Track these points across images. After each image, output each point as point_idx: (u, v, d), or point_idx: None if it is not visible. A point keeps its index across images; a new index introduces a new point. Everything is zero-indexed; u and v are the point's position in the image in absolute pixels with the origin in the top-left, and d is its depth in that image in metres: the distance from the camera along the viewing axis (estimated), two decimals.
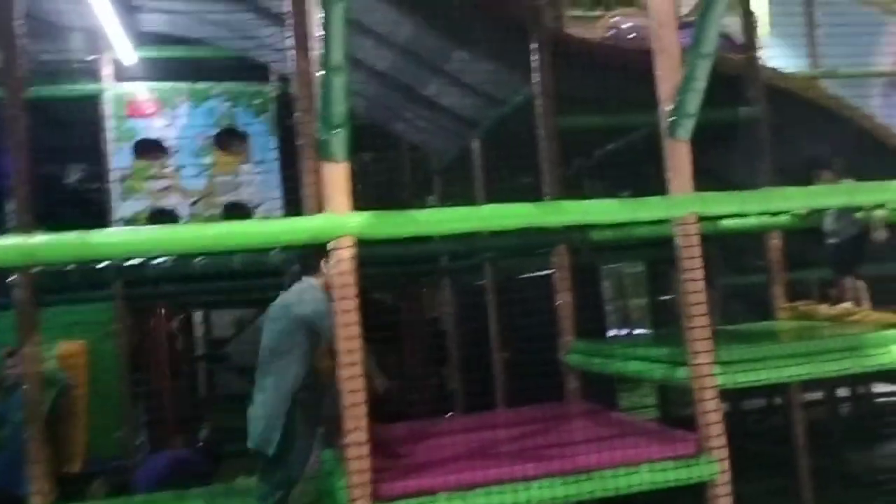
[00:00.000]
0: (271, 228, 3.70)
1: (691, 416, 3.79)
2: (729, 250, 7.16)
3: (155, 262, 4.79)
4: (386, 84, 6.99)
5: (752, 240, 6.09)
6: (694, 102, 3.69)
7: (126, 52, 7.14)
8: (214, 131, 7.56)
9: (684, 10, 6.29)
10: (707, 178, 4.02)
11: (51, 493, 4.26)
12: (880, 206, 5.04)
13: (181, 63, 7.65)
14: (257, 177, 7.51)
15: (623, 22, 7.94)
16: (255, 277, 6.34)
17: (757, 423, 8.58)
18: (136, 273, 5.04)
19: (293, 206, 6.49)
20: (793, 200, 4.46)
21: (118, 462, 6.84)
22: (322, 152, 3.37)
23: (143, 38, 7.32)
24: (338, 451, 3.68)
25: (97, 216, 6.97)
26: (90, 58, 7.41)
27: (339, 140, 3.29)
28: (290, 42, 4.74)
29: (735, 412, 7.79)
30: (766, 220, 5.45)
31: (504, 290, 7.14)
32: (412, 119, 7.85)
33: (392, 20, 5.75)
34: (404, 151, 9.08)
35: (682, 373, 3.81)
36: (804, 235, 5.65)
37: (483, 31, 5.63)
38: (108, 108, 7.35)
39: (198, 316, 12.26)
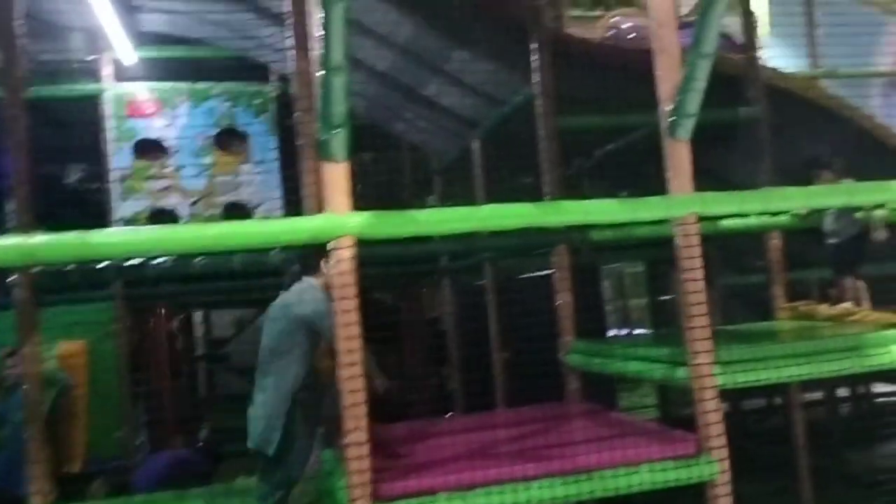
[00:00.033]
0: (271, 228, 3.70)
1: (691, 416, 3.79)
2: (729, 250, 7.16)
3: (155, 262, 4.79)
4: (386, 84, 6.99)
5: (752, 240, 6.08)
6: (694, 102, 3.69)
7: (126, 52, 7.14)
8: (214, 131, 7.56)
9: (684, 10, 6.28)
10: (707, 178, 4.02)
11: (51, 493, 4.26)
12: (880, 206, 5.04)
13: (181, 63, 7.65)
14: (257, 177, 7.51)
15: (623, 22, 7.95)
16: (255, 277, 6.33)
17: (757, 423, 8.58)
18: (136, 273, 5.04)
19: (293, 206, 6.49)
20: (793, 200, 4.46)
21: (118, 462, 6.84)
22: (322, 152, 3.36)
23: (144, 38, 7.33)
24: (338, 451, 3.68)
25: (97, 216, 6.97)
26: (90, 58, 7.41)
27: (339, 140, 3.28)
28: (290, 42, 4.74)
29: (735, 412, 7.79)
30: (766, 220, 5.45)
31: (504, 290, 7.14)
32: (412, 119, 7.85)
33: (392, 20, 5.76)
34: (404, 151, 9.08)
35: (682, 373, 3.81)
36: (804, 235, 5.65)
37: (483, 31, 5.63)
38: (108, 108, 7.36)
39: (198, 316, 12.27)
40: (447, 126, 7.51)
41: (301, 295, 4.24)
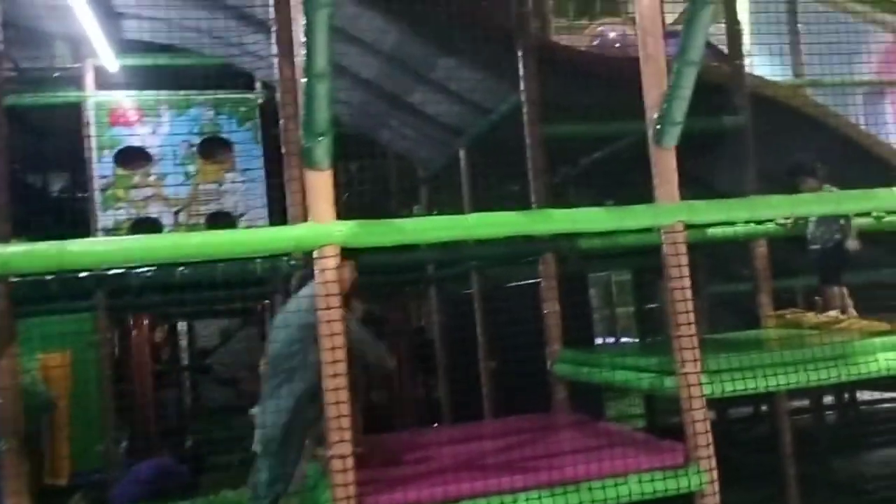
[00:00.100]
0: (254, 237, 3.66)
1: (679, 425, 3.76)
2: (715, 258, 7.16)
3: (137, 271, 4.72)
4: (372, 92, 6.97)
5: (738, 248, 6.09)
6: (680, 110, 3.68)
7: (109, 59, 7.08)
8: (198, 140, 7.50)
9: (670, 19, 6.29)
10: (692, 186, 4.01)
11: None
12: (866, 214, 5.06)
13: (165, 71, 7.60)
14: (242, 185, 7.46)
15: (609, 31, 7.97)
16: (239, 287, 6.27)
17: (743, 431, 8.57)
18: (118, 283, 4.96)
19: (279, 215, 6.44)
20: (779, 208, 4.46)
21: (100, 475, 6.75)
22: (306, 160, 3.32)
23: (127, 46, 7.27)
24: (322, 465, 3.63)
25: (79, 225, 6.89)
26: (72, 65, 7.35)
27: (322, 148, 3.24)
28: (275, 49, 4.70)
29: (721, 420, 7.78)
30: (752, 228, 5.46)
31: (491, 298, 7.11)
32: (398, 127, 7.83)
33: (378, 27, 5.73)
34: (390, 160, 9.05)
35: (669, 382, 3.79)
36: (789, 243, 5.66)
37: (469, 39, 5.62)
38: (90, 117, 7.29)
39: (183, 326, 12.17)
40: (433, 134, 7.49)
41: (308, 301, 4.19)
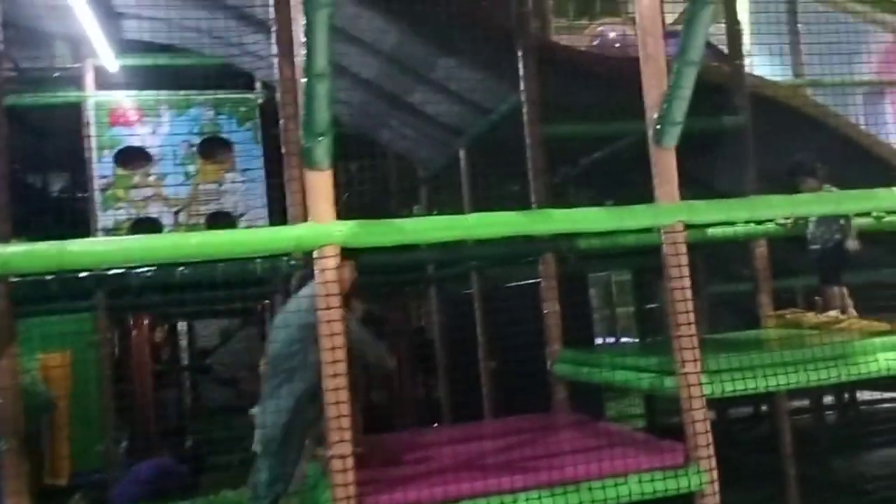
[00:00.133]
0: (254, 237, 3.65)
1: (679, 425, 3.76)
2: (715, 258, 7.16)
3: (137, 271, 4.72)
4: (372, 92, 6.96)
5: (738, 248, 6.09)
6: (680, 110, 3.68)
7: (109, 59, 7.08)
8: (198, 140, 7.50)
9: (670, 19, 6.29)
10: (692, 186, 4.01)
11: None
12: (866, 214, 5.06)
13: (165, 71, 7.60)
14: (242, 185, 7.46)
15: (609, 31, 7.96)
16: (239, 287, 6.27)
17: (743, 431, 8.57)
18: (117, 283, 4.96)
19: (279, 215, 6.44)
20: (779, 208, 4.46)
21: (100, 475, 6.75)
22: (306, 160, 3.32)
23: (127, 46, 7.26)
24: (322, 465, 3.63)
25: (79, 225, 6.89)
26: (72, 65, 7.35)
27: (322, 147, 3.24)
28: (275, 49, 4.70)
29: (721, 420, 7.77)
30: (752, 227, 5.45)
31: (491, 298, 7.11)
32: (398, 127, 7.83)
33: (378, 28, 5.73)
34: (391, 160, 9.05)
35: (669, 382, 3.79)
36: (789, 243, 5.65)
37: (469, 39, 5.62)
38: (90, 117, 7.28)
39: (183, 326, 12.17)
40: (433, 134, 7.49)
41: (308, 301, 4.18)
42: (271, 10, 4.83)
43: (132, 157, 7.40)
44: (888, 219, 5.28)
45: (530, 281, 6.11)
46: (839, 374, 3.97)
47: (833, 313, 4.92)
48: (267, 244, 3.57)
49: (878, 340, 4.18)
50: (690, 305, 3.69)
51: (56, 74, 7.43)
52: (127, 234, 7.00)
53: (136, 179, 7.33)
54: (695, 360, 3.65)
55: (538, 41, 5.96)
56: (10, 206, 4.17)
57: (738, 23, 6.16)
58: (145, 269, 4.60)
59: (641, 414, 8.97)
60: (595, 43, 7.88)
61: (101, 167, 7.27)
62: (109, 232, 7.08)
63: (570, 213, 3.91)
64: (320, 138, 3.20)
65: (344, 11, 5.31)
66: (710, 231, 5.23)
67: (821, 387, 5.82)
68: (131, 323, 8.83)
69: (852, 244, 4.85)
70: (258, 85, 7.75)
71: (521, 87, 5.53)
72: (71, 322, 6.90)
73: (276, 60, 4.75)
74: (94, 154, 7.27)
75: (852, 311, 4.95)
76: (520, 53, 5.54)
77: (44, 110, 7.28)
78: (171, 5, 6.20)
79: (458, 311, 7.62)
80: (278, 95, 4.92)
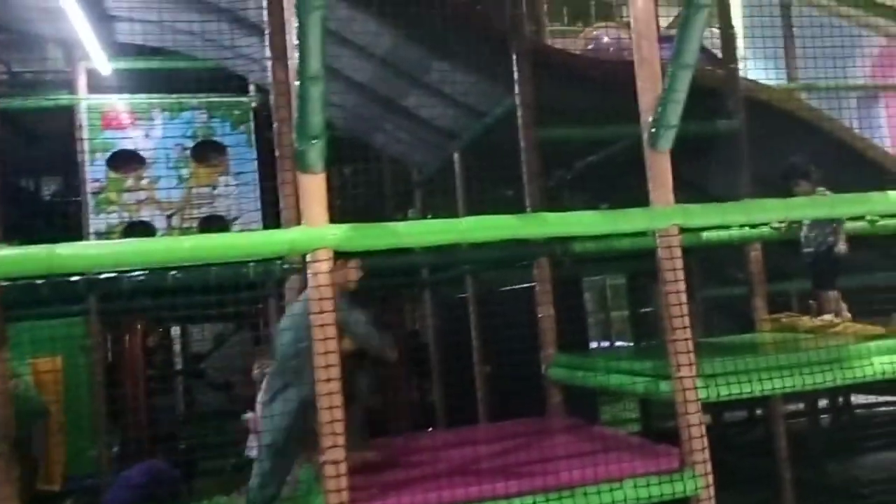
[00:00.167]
0: (247, 241, 3.63)
1: (674, 429, 3.75)
2: (710, 262, 7.16)
3: (129, 275, 4.69)
4: (366, 96, 6.96)
5: (732, 251, 6.09)
6: (675, 114, 3.68)
7: (101, 62, 7.05)
8: (191, 143, 7.48)
9: (664, 23, 6.29)
10: (686, 189, 4.00)
11: None
12: (860, 217, 5.06)
13: (158, 74, 7.57)
14: (235, 189, 7.43)
15: (603, 35, 7.97)
16: (232, 291, 6.24)
17: (738, 435, 8.57)
18: (109, 287, 4.93)
19: (273, 218, 6.41)
20: (774, 212, 4.45)
21: (93, 480, 6.71)
22: (299, 163, 3.30)
23: (120, 49, 7.24)
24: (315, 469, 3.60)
25: (72, 229, 6.86)
26: (65, 69, 7.32)
27: (316, 151, 3.22)
28: (268, 52, 4.68)
29: (716, 424, 7.77)
30: (746, 231, 5.45)
31: (485, 302, 7.09)
32: (392, 131, 7.82)
33: (371, 31, 5.72)
34: (385, 164, 9.03)
35: (665, 386, 3.78)
36: (783, 247, 5.65)
37: (463, 42, 5.61)
38: (83, 120, 7.25)
39: (176, 330, 12.10)
40: (427, 138, 7.48)
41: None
42: (264, 13, 4.82)
43: (125, 161, 7.37)
44: (882, 222, 5.29)
45: (525, 285, 6.10)
46: (834, 378, 3.97)
47: (828, 317, 4.92)
48: (260, 248, 3.55)
49: (872, 344, 4.18)
50: (685, 309, 3.68)
51: (48, 78, 7.40)
52: (120, 237, 6.97)
53: (129, 183, 7.30)
54: (690, 364, 3.64)
55: (532, 45, 5.96)
56: (2, 209, 4.15)
57: (732, 27, 6.18)
58: (138, 273, 4.57)
59: (636, 418, 8.97)
60: (590, 47, 7.90)
61: (94, 171, 7.24)
62: (102, 236, 7.05)
63: (564, 217, 3.90)
64: (314, 142, 3.18)
65: (337, 14, 5.30)
66: (705, 235, 5.23)
67: (816, 390, 5.83)
68: (124, 327, 8.78)
69: (841, 248, 4.86)
70: (252, 88, 7.72)
71: (516, 90, 5.53)
72: (62, 326, 6.85)
73: (269, 63, 4.74)
74: (87, 157, 7.23)
75: (847, 315, 4.95)
76: (514, 57, 5.53)
77: (36, 114, 7.24)
78: (163, 8, 6.18)
79: (453, 314, 7.60)
80: (272, 99, 4.90)
